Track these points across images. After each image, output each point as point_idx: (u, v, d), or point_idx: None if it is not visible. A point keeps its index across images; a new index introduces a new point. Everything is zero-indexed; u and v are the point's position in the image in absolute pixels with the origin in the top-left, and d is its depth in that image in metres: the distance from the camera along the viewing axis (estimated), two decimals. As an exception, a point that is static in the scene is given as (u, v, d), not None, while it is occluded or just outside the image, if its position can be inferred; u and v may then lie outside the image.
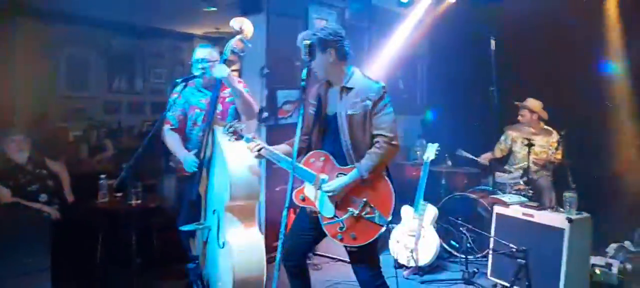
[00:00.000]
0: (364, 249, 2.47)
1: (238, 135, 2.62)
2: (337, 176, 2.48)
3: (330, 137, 2.54)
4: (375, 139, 2.44)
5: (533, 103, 4.64)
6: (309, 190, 2.55)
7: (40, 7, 5.10)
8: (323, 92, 2.60)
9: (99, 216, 3.91)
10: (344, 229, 2.45)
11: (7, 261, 3.05)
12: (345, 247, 2.52)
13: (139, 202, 3.84)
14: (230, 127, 2.62)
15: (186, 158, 3.06)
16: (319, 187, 2.50)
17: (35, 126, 4.93)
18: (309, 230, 2.65)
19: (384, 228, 2.42)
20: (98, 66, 6.46)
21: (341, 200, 2.47)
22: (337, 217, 2.47)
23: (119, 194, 3.96)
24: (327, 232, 2.52)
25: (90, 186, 4.07)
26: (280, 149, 2.61)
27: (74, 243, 3.73)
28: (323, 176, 2.51)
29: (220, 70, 2.90)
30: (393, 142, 2.42)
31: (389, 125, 2.43)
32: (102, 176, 4.02)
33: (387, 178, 2.47)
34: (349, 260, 2.64)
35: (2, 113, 4.63)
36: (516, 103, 4.73)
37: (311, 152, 2.57)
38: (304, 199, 2.56)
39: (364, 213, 2.42)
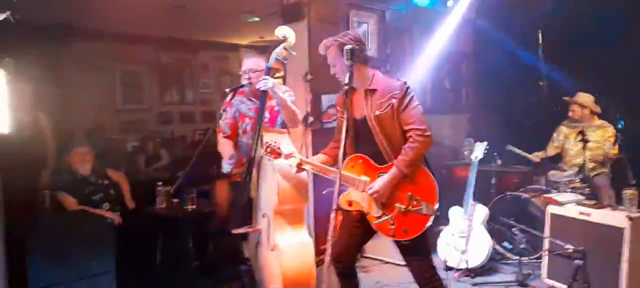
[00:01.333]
0: (416, 241, 2.52)
1: (276, 154, 2.69)
2: (378, 175, 2.54)
3: (363, 140, 2.60)
4: (408, 134, 2.50)
5: (583, 97, 4.46)
6: (354, 194, 2.62)
7: (91, 28, 5.43)
8: (349, 97, 2.62)
9: (158, 221, 4.11)
10: (394, 225, 2.51)
11: (75, 264, 3.25)
12: (398, 242, 2.57)
13: (194, 207, 4.01)
14: (268, 146, 2.69)
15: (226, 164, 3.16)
16: (363, 189, 2.55)
17: (94, 140, 5.24)
18: (357, 231, 2.71)
19: (433, 218, 2.47)
20: (150, 80, 6.80)
21: (387, 198, 2.52)
22: (385, 215, 2.53)
23: (176, 200, 4.16)
24: (379, 231, 2.58)
25: (148, 193, 4.30)
26: (316, 159, 2.72)
27: (136, 247, 3.94)
28: (364, 178, 2.56)
29: (264, 83, 2.99)
30: (426, 133, 2.47)
31: (418, 118, 2.49)
32: (159, 183, 4.24)
33: (427, 168, 2.52)
34: (402, 256, 2.68)
35: (62, 130, 4.92)
36: (565, 98, 4.56)
37: (348, 158, 2.62)
38: (351, 204, 2.64)
39: (410, 207, 2.48)
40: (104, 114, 6.11)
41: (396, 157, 2.50)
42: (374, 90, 2.56)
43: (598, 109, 4.42)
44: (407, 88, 2.53)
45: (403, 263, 4.06)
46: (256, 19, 5.63)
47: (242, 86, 3.22)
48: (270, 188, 2.92)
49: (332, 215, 2.41)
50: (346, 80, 2.50)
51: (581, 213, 3.47)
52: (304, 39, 4.34)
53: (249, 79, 3.17)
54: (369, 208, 2.58)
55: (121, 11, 4.58)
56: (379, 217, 2.55)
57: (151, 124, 6.73)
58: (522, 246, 3.91)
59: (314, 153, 4.49)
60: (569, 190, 4.03)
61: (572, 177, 4.24)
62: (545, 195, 4.06)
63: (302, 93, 4.43)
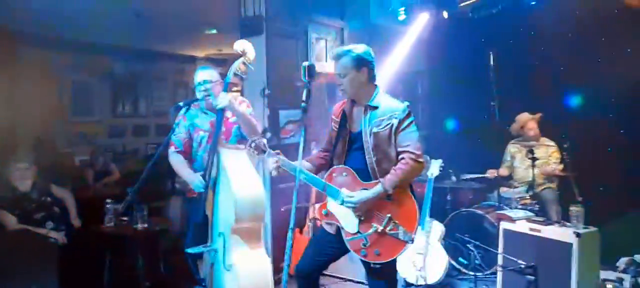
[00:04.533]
0: (385, 266, 2.48)
1: (260, 151, 2.61)
2: (359, 191, 2.49)
3: (354, 154, 2.57)
4: (401, 156, 2.47)
5: (531, 117, 4.66)
6: (332, 205, 2.56)
7: (42, 34, 5.17)
8: (348, 110, 2.63)
9: (106, 240, 3.92)
10: (368, 245, 2.46)
11: (17, 286, 3.05)
12: (366, 263, 2.52)
13: (145, 225, 3.85)
14: (252, 142, 2.62)
15: (192, 178, 3.07)
16: (342, 201, 2.50)
17: (40, 153, 4.96)
18: (329, 247, 2.64)
19: (408, 245, 2.43)
20: (102, 91, 6.54)
21: (365, 215, 2.48)
22: (360, 232, 2.48)
23: (125, 218, 3.98)
24: (350, 248, 2.52)
25: (96, 211, 4.09)
26: (298, 164, 2.60)
27: (82, 268, 3.74)
28: (346, 191, 2.52)
29: (222, 100, 2.91)
30: (419, 160, 2.45)
31: (414, 142, 2.47)
32: (108, 201, 4.04)
33: (411, 195, 2.49)
34: (367, 277, 2.64)
35: (4, 141, 4.65)
36: (520, 117, 4.74)
37: (334, 167, 2.59)
38: (327, 214, 2.58)
39: (388, 229, 2.44)
40: (52, 126, 5.80)
41: (381, 177, 2.46)
42: (374, 107, 2.54)
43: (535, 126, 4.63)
44: (410, 112, 2.52)
45: (362, 281, 4.06)
46: (214, 31, 5.56)
47: (196, 100, 3.13)
48: (227, 206, 2.84)
49: (289, 234, 2.37)
50: (351, 93, 2.56)
51: (532, 229, 3.58)
52: (262, 54, 4.30)
53: (204, 91, 3.09)
54: (344, 223, 2.53)
55: (74, 18, 4.37)
56: (354, 234, 2.49)
57: (101, 137, 6.45)
58: (477, 262, 3.99)
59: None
60: (520, 206, 4.17)
61: (523, 194, 4.40)
62: (498, 212, 4.18)
63: (260, 108, 4.38)
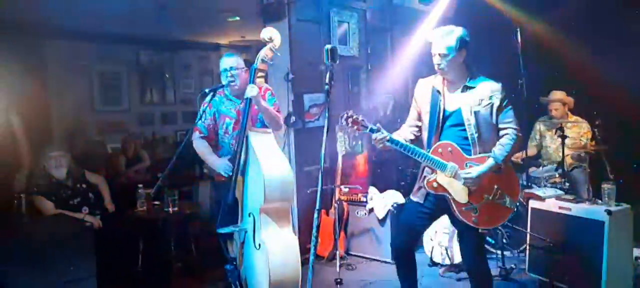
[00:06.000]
0: (483, 238, 2.76)
1: (360, 126, 2.63)
2: (465, 165, 2.65)
3: (451, 130, 2.71)
4: (505, 131, 2.67)
5: (561, 95, 4.55)
6: (442, 178, 2.67)
7: (68, 27, 5.30)
8: (441, 88, 2.75)
9: (139, 224, 4.05)
10: (478, 214, 2.65)
11: (55, 270, 3.17)
12: (469, 228, 2.68)
13: (175, 209, 3.96)
14: (349, 118, 2.61)
15: (217, 163, 3.14)
16: (453, 174, 2.64)
17: (72, 142, 5.13)
18: (419, 218, 2.80)
19: (514, 211, 2.67)
20: (130, 80, 6.69)
21: (475, 187, 2.63)
22: (471, 203, 2.65)
23: (157, 202, 4.10)
24: (461, 217, 2.66)
25: (129, 196, 4.23)
26: (401, 138, 2.75)
27: (117, 250, 3.87)
28: (453, 165, 2.65)
29: (250, 91, 2.96)
30: (520, 133, 2.68)
31: (514, 118, 2.70)
32: (139, 186, 4.17)
33: (511, 166, 2.73)
34: (461, 237, 2.91)
35: (39, 131, 4.80)
36: (542, 98, 4.63)
37: (439, 143, 2.71)
38: (437, 187, 2.69)
39: (496, 198, 2.65)
40: (83, 116, 5.98)
41: (482, 152, 2.64)
42: (471, 87, 2.68)
43: (571, 103, 4.51)
44: (504, 90, 2.69)
45: (387, 260, 4.09)
46: (236, 18, 5.59)
47: (222, 86, 3.19)
48: (256, 186, 2.89)
49: (316, 215, 2.41)
50: (450, 72, 2.69)
51: (561, 207, 3.52)
52: (285, 39, 4.32)
53: (230, 77, 3.14)
54: (455, 195, 2.65)
55: (101, 10, 4.48)
56: (466, 204, 2.64)
57: (132, 125, 6.62)
58: (504, 241, 3.96)
59: (297, 152, 4.50)
60: (549, 185, 4.10)
61: (552, 172, 4.32)
62: (526, 191, 4.12)
63: (284, 93, 4.41)
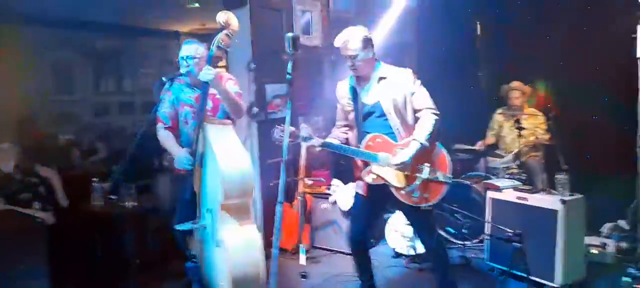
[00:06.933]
0: (428, 214, 2.89)
1: (294, 138, 2.78)
2: (395, 152, 2.78)
3: (376, 121, 2.86)
4: (421, 113, 2.82)
5: (518, 83, 4.67)
6: (377, 169, 2.82)
7: (21, 11, 5.01)
8: (356, 85, 2.91)
9: (94, 219, 3.89)
10: (417, 193, 2.78)
11: (4, 268, 3.03)
12: (414, 212, 2.87)
13: (133, 203, 3.82)
14: (282, 131, 2.68)
15: (180, 156, 3.03)
16: (386, 163, 2.77)
17: (22, 133, 4.86)
18: (370, 207, 2.98)
19: (449, 185, 2.79)
20: (85, 68, 6.40)
21: (409, 170, 2.77)
22: (408, 185, 2.78)
23: (114, 197, 3.94)
24: (402, 199, 2.81)
25: (84, 190, 4.05)
26: (334, 140, 2.96)
27: (71, 247, 3.71)
28: (384, 154, 2.79)
29: (206, 74, 2.85)
30: (436, 112, 2.82)
31: (428, 98, 2.85)
32: (95, 179, 4.00)
33: (437, 144, 2.84)
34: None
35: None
36: (505, 86, 4.75)
37: (368, 136, 2.85)
38: (376, 177, 2.82)
39: (429, 175, 2.77)
40: (32, 105, 5.68)
41: (406, 137, 2.79)
42: (384, 78, 2.85)
43: (531, 97, 4.64)
44: (416, 75, 2.86)
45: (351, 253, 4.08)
46: (196, 4, 5.42)
47: (181, 75, 3.07)
48: (214, 182, 2.82)
49: (278, 208, 2.39)
50: (365, 70, 2.87)
51: (518, 197, 3.63)
52: (246, 26, 4.22)
53: (188, 66, 3.02)
54: (392, 180, 2.79)
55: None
56: (403, 188, 2.78)
57: (86, 115, 6.35)
58: (464, 231, 4.04)
59: (260, 145, 4.43)
60: (507, 175, 4.21)
61: (510, 163, 4.43)
62: (485, 181, 4.22)
63: (246, 82, 4.32)
